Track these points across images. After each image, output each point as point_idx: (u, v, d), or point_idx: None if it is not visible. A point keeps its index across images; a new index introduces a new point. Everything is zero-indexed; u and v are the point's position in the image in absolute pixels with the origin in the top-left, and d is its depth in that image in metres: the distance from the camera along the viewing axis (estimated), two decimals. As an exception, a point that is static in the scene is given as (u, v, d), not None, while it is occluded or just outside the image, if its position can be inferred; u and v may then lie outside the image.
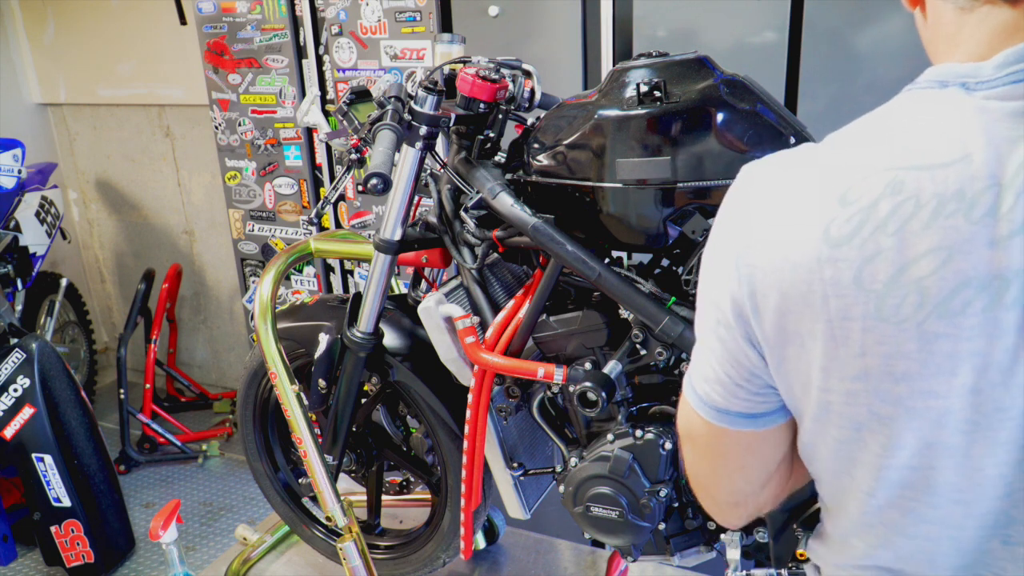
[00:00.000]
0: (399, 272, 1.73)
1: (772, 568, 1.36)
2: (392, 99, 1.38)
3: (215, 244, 3.90)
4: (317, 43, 2.80)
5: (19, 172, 3.15)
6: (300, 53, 2.87)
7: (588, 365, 1.41)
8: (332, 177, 2.99)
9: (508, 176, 1.42)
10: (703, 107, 1.22)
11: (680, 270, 1.37)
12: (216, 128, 3.13)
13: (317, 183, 3.04)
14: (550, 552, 2.02)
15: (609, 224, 1.30)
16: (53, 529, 2.63)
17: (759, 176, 0.73)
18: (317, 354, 1.64)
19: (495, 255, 1.52)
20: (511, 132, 1.48)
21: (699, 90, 1.23)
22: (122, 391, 3.40)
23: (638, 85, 1.23)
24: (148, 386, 3.52)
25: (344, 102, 1.55)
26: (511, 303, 1.47)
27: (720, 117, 1.22)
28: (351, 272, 3.09)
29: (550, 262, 1.38)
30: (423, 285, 1.67)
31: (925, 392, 0.65)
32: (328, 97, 2.85)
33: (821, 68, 1.99)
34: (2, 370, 2.59)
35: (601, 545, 1.94)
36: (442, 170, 1.50)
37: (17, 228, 3.24)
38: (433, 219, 1.53)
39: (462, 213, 1.43)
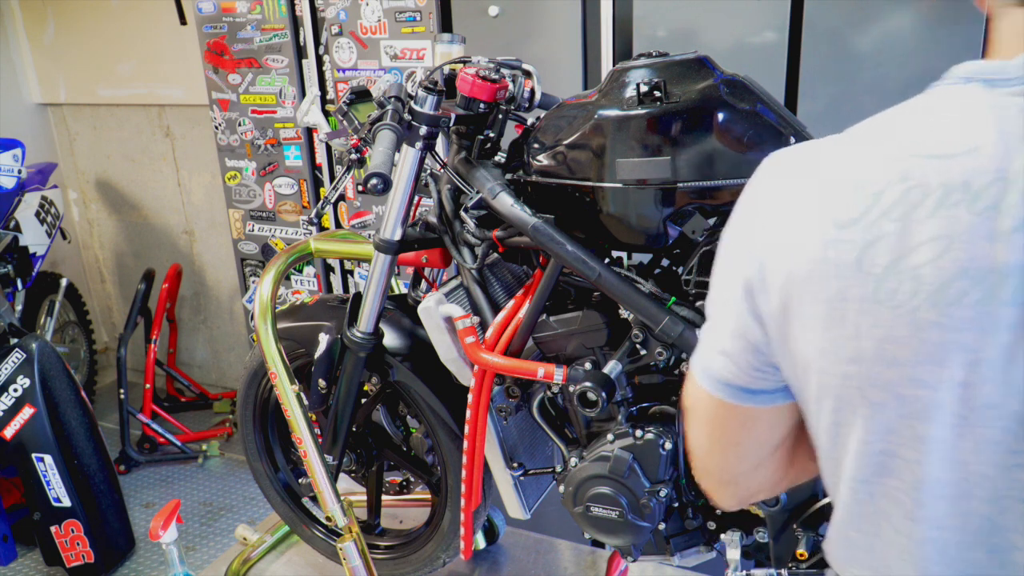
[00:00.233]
0: (399, 272, 1.73)
1: (772, 568, 1.37)
2: (392, 99, 1.39)
3: (215, 244, 3.90)
4: (317, 43, 2.80)
5: (19, 172, 3.16)
6: (300, 53, 2.87)
7: (588, 365, 1.41)
8: (332, 177, 2.99)
9: (508, 176, 1.42)
10: (703, 107, 1.22)
11: (680, 270, 1.37)
12: (216, 128, 3.13)
13: (317, 183, 3.04)
14: (550, 552, 2.02)
15: (609, 224, 1.30)
16: (53, 529, 2.63)
17: (782, 160, 0.76)
18: (317, 354, 1.64)
19: (495, 255, 1.52)
20: (511, 132, 1.48)
21: (699, 90, 1.23)
22: (122, 391, 3.40)
23: (638, 85, 1.23)
24: (148, 386, 3.53)
25: (344, 102, 1.55)
26: (511, 303, 1.47)
27: (720, 117, 1.22)
28: (351, 272, 3.09)
29: (550, 262, 1.38)
30: (423, 285, 1.67)
31: (914, 380, 0.66)
32: (328, 97, 2.85)
33: (821, 68, 1.99)
34: (2, 370, 2.59)
35: (601, 545, 1.94)
36: (442, 170, 1.50)
37: (17, 228, 3.24)
38: (433, 219, 1.53)
39: (462, 213, 1.43)
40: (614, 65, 1.67)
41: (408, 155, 1.44)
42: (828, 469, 0.79)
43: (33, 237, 3.32)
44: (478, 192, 1.39)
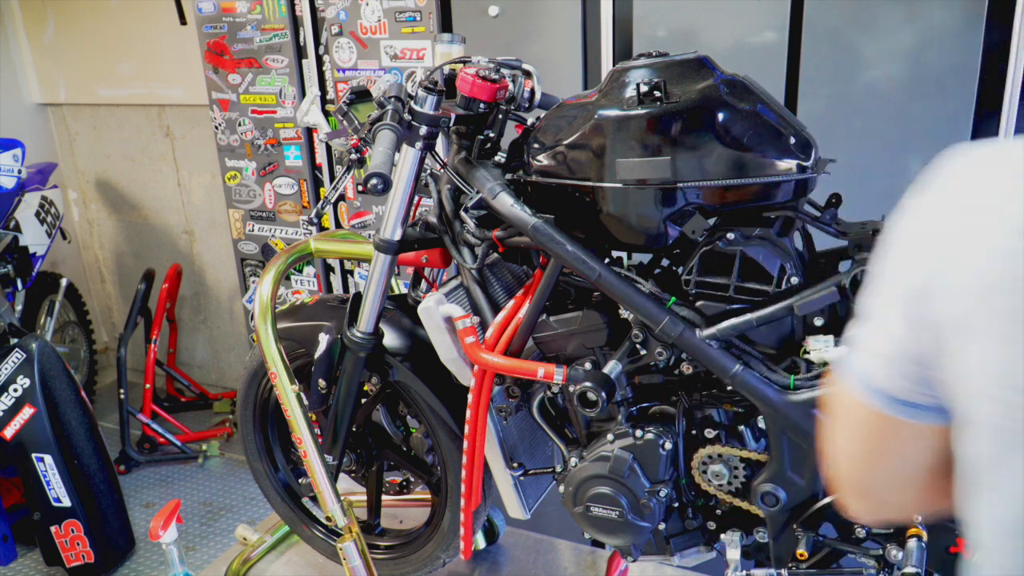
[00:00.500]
0: (399, 272, 1.73)
1: (772, 568, 1.37)
2: (392, 99, 1.39)
3: (215, 244, 3.90)
4: (317, 43, 2.80)
5: (19, 172, 3.16)
6: (300, 53, 2.87)
7: (588, 365, 1.41)
8: (332, 177, 2.99)
9: (508, 176, 1.42)
10: (703, 107, 1.22)
11: (680, 270, 1.37)
12: (216, 128, 3.13)
13: (317, 183, 3.04)
14: (550, 552, 2.02)
15: (609, 224, 1.30)
16: (53, 529, 2.63)
17: (966, 158, 0.69)
18: (317, 354, 1.64)
19: (495, 255, 1.52)
20: (511, 132, 1.48)
21: (699, 90, 1.23)
22: (122, 391, 3.40)
23: (638, 85, 1.23)
24: (148, 386, 3.52)
25: (344, 102, 1.55)
26: (511, 303, 1.47)
27: (720, 117, 1.22)
28: (351, 272, 3.09)
29: (550, 262, 1.38)
30: (423, 285, 1.67)
31: None
32: (328, 97, 2.85)
33: (821, 68, 1.99)
34: (2, 370, 2.59)
35: (601, 545, 1.94)
36: (442, 170, 1.50)
37: (17, 228, 3.24)
38: (433, 219, 1.53)
39: (462, 213, 1.43)
40: (614, 65, 1.67)
41: (408, 155, 1.44)
42: (976, 510, 0.71)
43: (33, 237, 3.32)
44: (478, 192, 1.39)
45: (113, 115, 3.93)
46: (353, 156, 1.52)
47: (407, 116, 1.40)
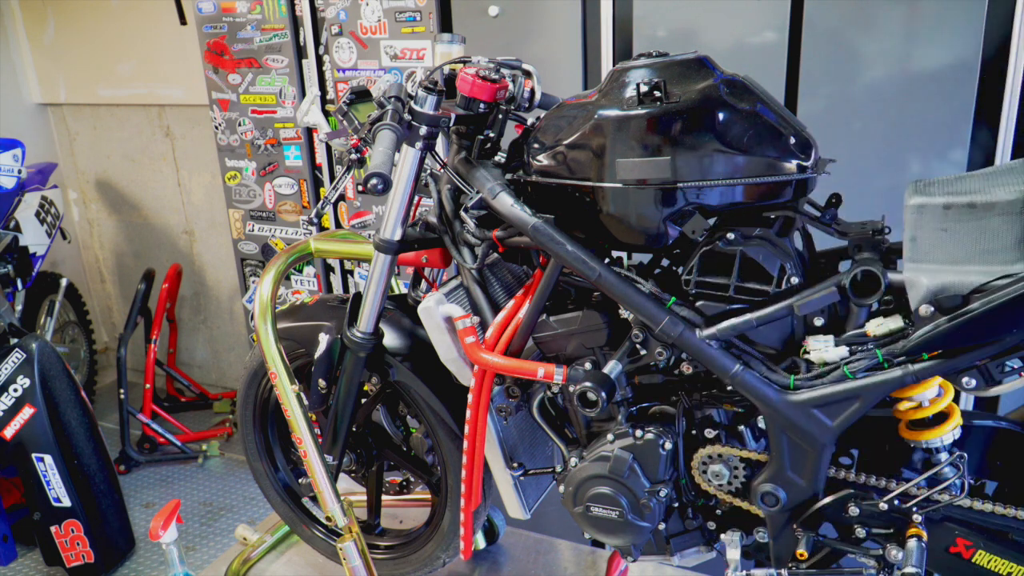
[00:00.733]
0: (399, 272, 1.73)
1: (772, 568, 1.37)
2: (392, 99, 1.38)
3: (215, 244, 3.90)
4: (317, 43, 2.81)
5: (19, 172, 3.16)
6: (300, 53, 2.87)
7: (588, 365, 1.41)
8: (332, 177, 2.99)
9: (508, 176, 1.42)
10: (703, 107, 1.22)
11: (680, 270, 1.37)
12: (216, 128, 3.13)
13: (317, 183, 3.04)
14: (550, 552, 2.02)
15: (609, 224, 1.30)
16: (53, 529, 2.63)
17: None
18: (317, 354, 1.65)
19: (495, 255, 1.52)
20: (511, 132, 1.48)
21: (699, 90, 1.23)
22: (122, 391, 3.41)
23: (638, 85, 1.23)
24: (148, 386, 3.53)
25: (344, 102, 1.55)
26: (511, 303, 1.47)
27: (720, 117, 1.22)
28: (351, 272, 3.09)
29: (550, 262, 1.38)
30: (423, 285, 1.68)
31: None
32: (328, 97, 2.86)
33: (821, 68, 2.00)
34: (2, 370, 2.59)
35: (601, 545, 1.94)
36: (442, 170, 1.50)
37: (17, 228, 3.24)
38: (433, 219, 1.53)
39: (462, 213, 1.43)
40: (614, 65, 1.67)
41: (408, 155, 1.44)
42: None
43: (33, 237, 3.32)
44: (478, 192, 1.39)
45: (113, 115, 3.93)
46: (353, 156, 1.53)
47: (407, 116, 1.40)
